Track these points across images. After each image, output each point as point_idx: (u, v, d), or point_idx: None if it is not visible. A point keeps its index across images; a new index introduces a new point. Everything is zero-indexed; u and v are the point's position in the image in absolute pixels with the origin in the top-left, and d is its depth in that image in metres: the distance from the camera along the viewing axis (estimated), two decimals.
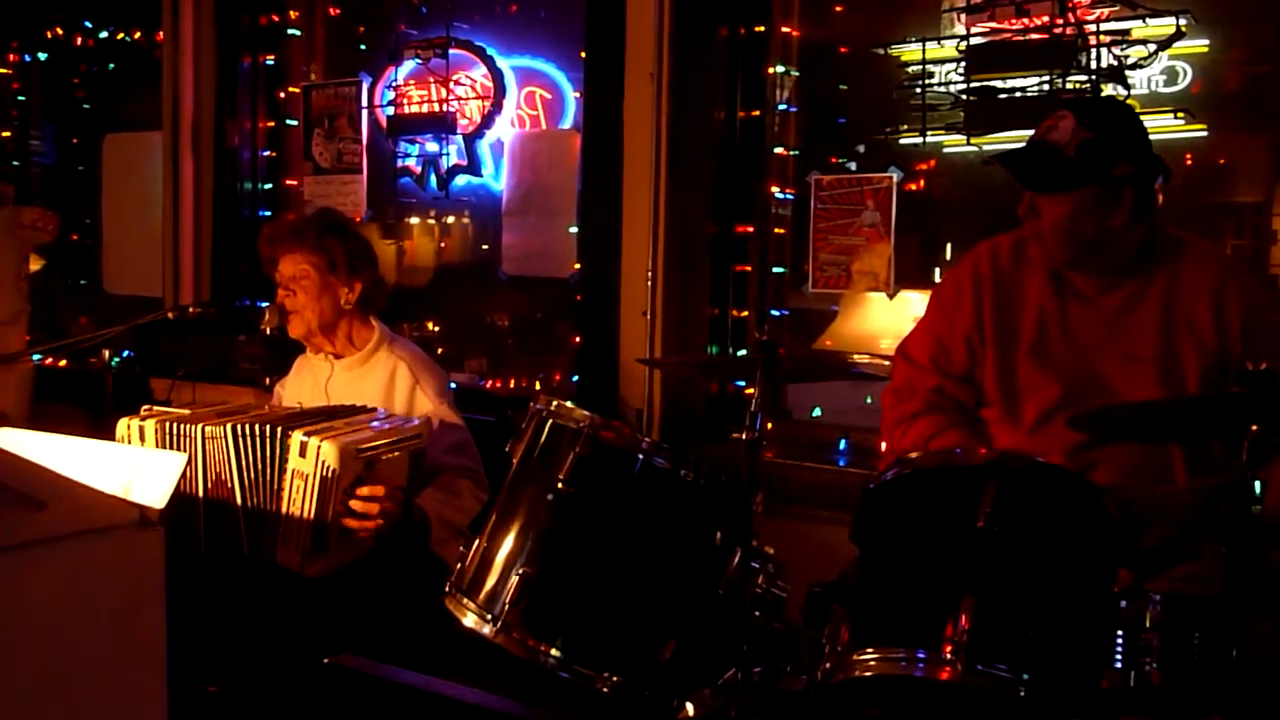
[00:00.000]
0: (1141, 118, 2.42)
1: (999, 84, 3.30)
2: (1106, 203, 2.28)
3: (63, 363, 5.00)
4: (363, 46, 4.81)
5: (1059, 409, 2.33)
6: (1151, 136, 2.35)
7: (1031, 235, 2.38)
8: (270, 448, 2.57)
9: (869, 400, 3.63)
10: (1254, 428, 1.73)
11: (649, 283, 3.68)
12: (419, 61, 4.39)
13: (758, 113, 3.78)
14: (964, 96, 3.34)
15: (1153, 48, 3.13)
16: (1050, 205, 2.31)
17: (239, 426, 2.60)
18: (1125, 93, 3.16)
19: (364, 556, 2.62)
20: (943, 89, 3.41)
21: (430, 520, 2.71)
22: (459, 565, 2.22)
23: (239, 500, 2.60)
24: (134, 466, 2.14)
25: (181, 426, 2.66)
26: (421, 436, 2.73)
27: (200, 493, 2.64)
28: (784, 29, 3.79)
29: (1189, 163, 3.24)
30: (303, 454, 2.52)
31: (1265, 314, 2.34)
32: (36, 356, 4.62)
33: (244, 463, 2.59)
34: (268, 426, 2.58)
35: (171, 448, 2.66)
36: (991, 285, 2.47)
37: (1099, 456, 2.29)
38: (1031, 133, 2.37)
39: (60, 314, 5.58)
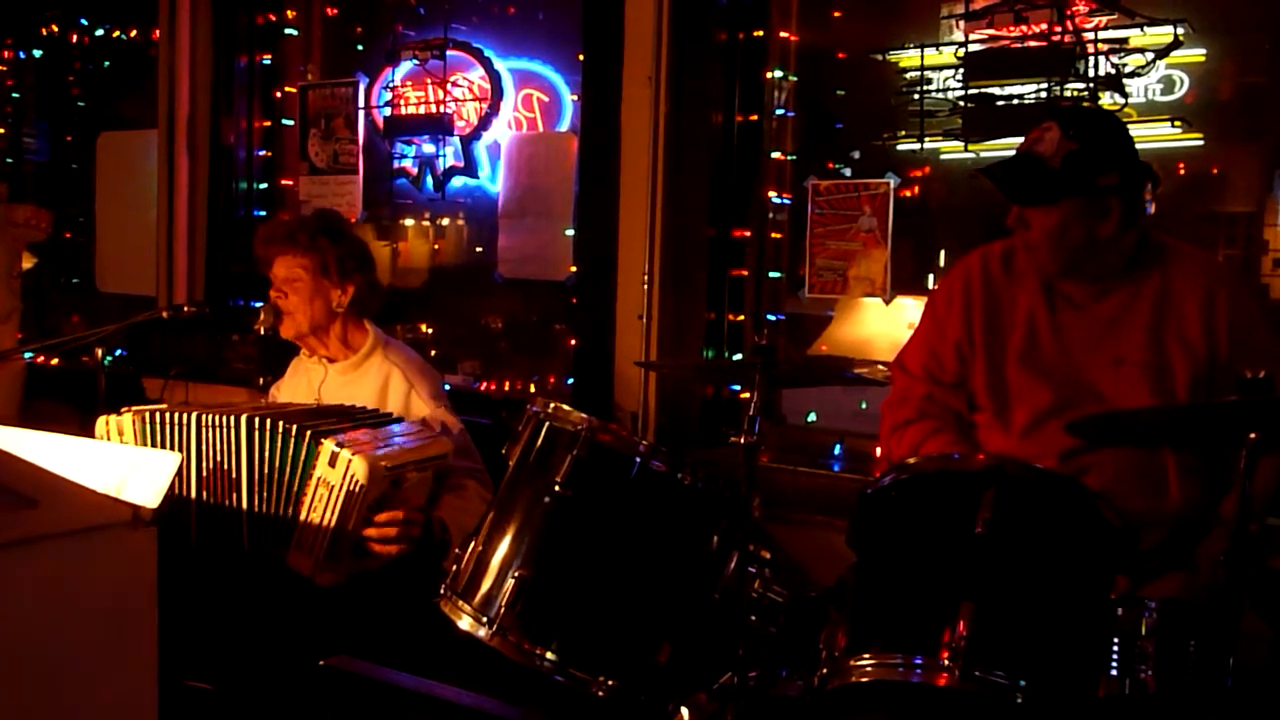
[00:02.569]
0: (1136, 126, 2.43)
1: (997, 91, 3.30)
2: (1094, 213, 2.29)
3: (55, 361, 4.97)
4: (360, 47, 4.80)
5: (1049, 415, 2.35)
6: (1148, 145, 2.36)
7: (1022, 245, 2.39)
8: (295, 449, 2.53)
9: (864, 405, 3.63)
10: (1252, 436, 1.73)
11: (645, 286, 3.67)
12: (416, 63, 4.38)
13: (755, 117, 3.78)
14: (962, 103, 3.35)
15: (1150, 56, 3.14)
16: (1038, 217, 2.32)
17: (254, 419, 2.56)
18: (1123, 101, 3.16)
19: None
20: (941, 95, 3.42)
21: (451, 531, 2.68)
22: (454, 568, 2.21)
23: (244, 493, 2.57)
24: (127, 466, 2.13)
25: (165, 415, 2.63)
26: (448, 455, 2.72)
27: (192, 482, 2.61)
28: (782, 34, 3.79)
29: (1183, 172, 3.25)
30: (332, 464, 2.48)
31: (1253, 321, 2.36)
32: (28, 355, 4.59)
33: (257, 457, 2.56)
34: (293, 426, 2.54)
35: (153, 440, 2.64)
36: (981, 293, 2.48)
37: (1091, 462, 2.30)
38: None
39: (53, 312, 5.55)
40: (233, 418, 2.58)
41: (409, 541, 2.57)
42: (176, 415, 2.64)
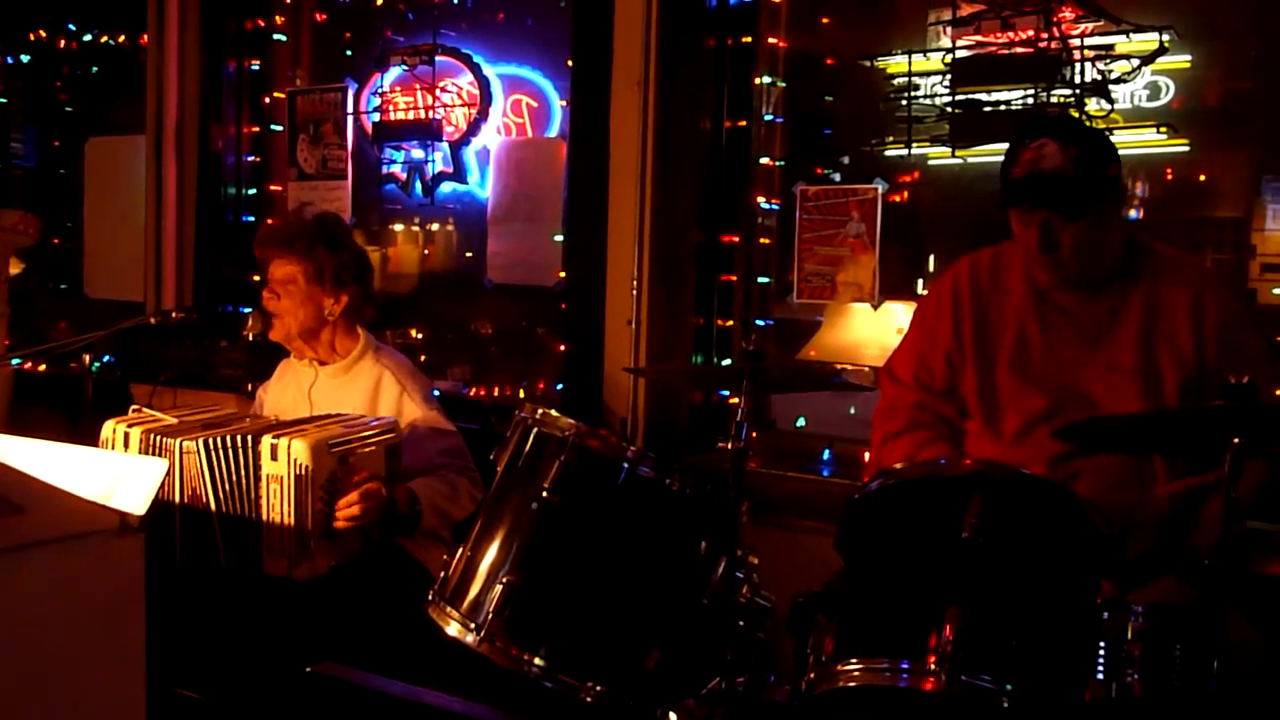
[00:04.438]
0: (1122, 132, 2.45)
1: (984, 97, 3.31)
2: (1109, 203, 2.32)
3: (42, 367, 4.96)
4: (349, 52, 4.79)
5: (1039, 421, 2.35)
6: (1134, 150, 2.38)
7: (1052, 268, 2.36)
8: (243, 457, 2.57)
9: (853, 411, 3.63)
10: (1236, 440, 1.74)
11: (634, 291, 3.67)
12: (405, 68, 4.39)
13: (744, 123, 3.79)
14: (949, 109, 3.35)
15: (1136, 63, 3.16)
16: (1068, 232, 2.30)
17: (210, 440, 2.60)
18: (1109, 107, 3.18)
19: (350, 561, 2.61)
20: (928, 101, 3.43)
21: (421, 502, 2.70)
22: (442, 574, 2.21)
23: (214, 513, 2.60)
24: (115, 472, 2.13)
25: (163, 440, 2.66)
26: (394, 433, 2.73)
27: (177, 506, 2.64)
28: (771, 40, 3.80)
29: (1170, 177, 3.26)
30: (274, 457, 2.52)
31: (1240, 327, 2.37)
32: (16, 361, 4.57)
33: (218, 476, 2.60)
34: (237, 437, 2.58)
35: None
36: (970, 300, 2.49)
37: (1080, 468, 2.30)
38: (1007, 146, 2.38)
39: (40, 318, 5.53)
40: (196, 441, 2.61)
41: (375, 513, 2.60)
42: (171, 441, 2.64)
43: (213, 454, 2.60)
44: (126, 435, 2.68)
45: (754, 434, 3.63)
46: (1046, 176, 2.29)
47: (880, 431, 2.57)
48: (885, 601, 1.93)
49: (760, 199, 3.82)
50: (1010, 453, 2.36)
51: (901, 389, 2.56)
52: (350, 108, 4.57)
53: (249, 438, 2.57)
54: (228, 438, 2.59)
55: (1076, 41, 3.20)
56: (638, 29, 3.65)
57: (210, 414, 2.86)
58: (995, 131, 3.23)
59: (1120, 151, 2.38)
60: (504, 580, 2.08)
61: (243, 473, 2.58)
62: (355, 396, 2.96)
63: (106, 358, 4.73)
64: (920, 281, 3.65)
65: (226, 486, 2.59)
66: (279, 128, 4.84)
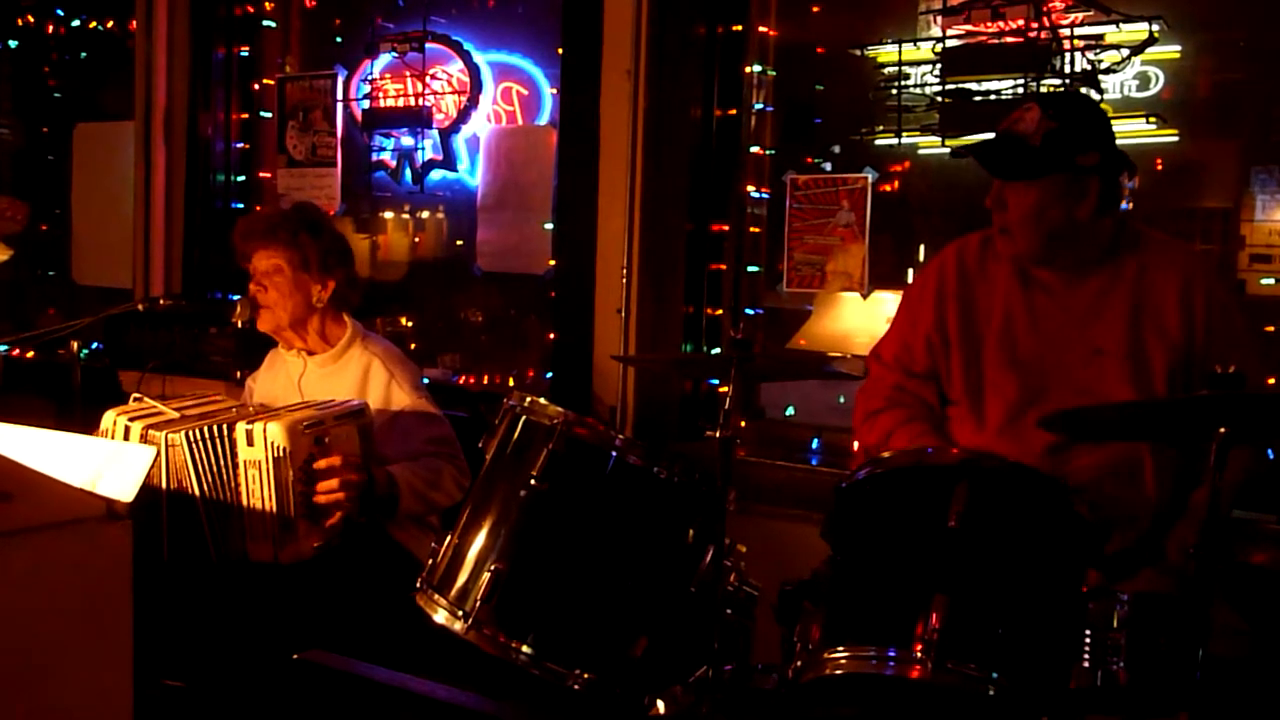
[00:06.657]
0: (1113, 120, 2.45)
1: (974, 86, 3.32)
2: (1073, 192, 2.30)
3: (30, 354, 4.94)
4: (338, 39, 4.78)
5: (1026, 405, 2.35)
6: (1123, 141, 2.38)
7: (999, 229, 2.39)
8: (220, 446, 2.58)
9: (841, 400, 3.64)
10: (1222, 430, 1.75)
11: (624, 280, 3.67)
12: (395, 55, 4.37)
13: (734, 111, 3.79)
14: (939, 98, 3.36)
15: (1126, 53, 3.16)
16: (1017, 196, 2.32)
17: (190, 432, 2.60)
18: (1098, 97, 3.18)
19: (335, 547, 2.61)
20: (918, 91, 3.43)
21: (399, 486, 2.71)
22: (430, 561, 2.22)
23: (200, 505, 2.60)
24: (102, 459, 2.13)
25: (150, 433, 2.65)
26: (365, 413, 2.74)
27: (164, 499, 2.64)
28: (761, 28, 3.80)
29: (1159, 168, 3.27)
30: (250, 442, 2.53)
31: (1228, 313, 2.37)
32: (3, 348, 4.56)
33: (200, 467, 2.60)
34: (212, 426, 2.59)
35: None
36: (956, 283, 2.49)
37: (1068, 456, 2.31)
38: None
39: (28, 305, 5.51)
40: (180, 433, 2.61)
41: (353, 489, 2.60)
42: (162, 435, 2.63)
43: (193, 445, 2.60)
44: (127, 429, 2.67)
45: (742, 423, 3.68)
46: (1009, 137, 2.31)
47: (861, 410, 2.60)
48: (872, 590, 1.94)
49: (750, 188, 3.83)
50: (997, 439, 2.37)
51: (884, 369, 2.59)
52: (340, 95, 4.56)
53: (223, 426, 2.57)
54: (203, 428, 2.59)
55: (1067, 31, 3.20)
56: (628, 17, 3.64)
57: (210, 405, 2.85)
58: (985, 121, 3.23)
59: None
60: (492, 568, 2.08)
61: (221, 461, 2.58)
62: (344, 385, 2.96)
63: (95, 345, 4.72)
64: (910, 271, 3.66)
65: (209, 476, 2.60)
66: (268, 114, 4.82)
